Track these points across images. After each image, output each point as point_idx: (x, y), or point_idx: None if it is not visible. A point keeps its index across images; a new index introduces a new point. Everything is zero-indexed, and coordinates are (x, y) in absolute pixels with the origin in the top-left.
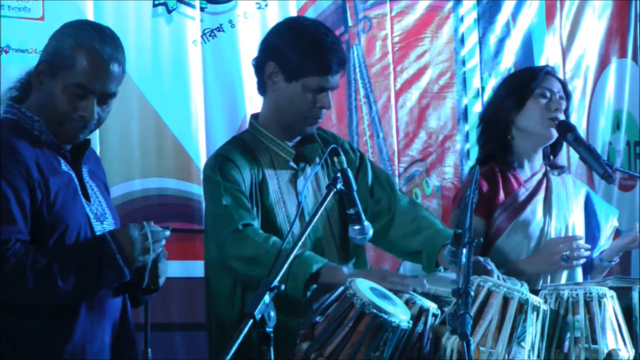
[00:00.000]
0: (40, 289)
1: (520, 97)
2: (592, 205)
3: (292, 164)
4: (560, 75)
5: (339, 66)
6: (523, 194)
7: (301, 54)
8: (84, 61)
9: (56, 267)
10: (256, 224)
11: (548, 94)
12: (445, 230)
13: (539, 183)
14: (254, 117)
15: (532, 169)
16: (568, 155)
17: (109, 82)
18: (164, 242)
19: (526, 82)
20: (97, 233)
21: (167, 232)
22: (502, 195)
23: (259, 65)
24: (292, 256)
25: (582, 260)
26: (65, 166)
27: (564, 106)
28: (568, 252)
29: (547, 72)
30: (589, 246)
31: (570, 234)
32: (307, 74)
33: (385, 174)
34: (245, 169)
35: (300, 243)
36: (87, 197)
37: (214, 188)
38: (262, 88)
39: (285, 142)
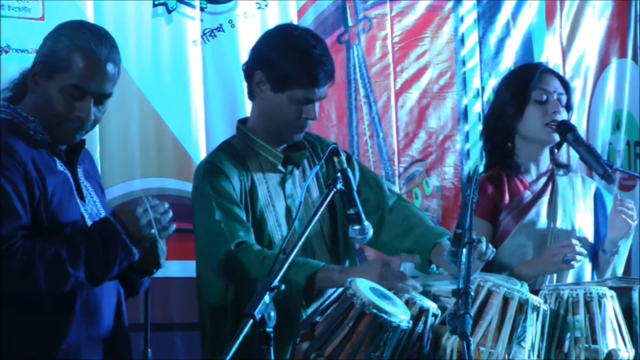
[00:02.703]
0: (52, 278)
1: (520, 104)
2: (602, 202)
3: (280, 167)
4: None
5: (327, 79)
6: (528, 196)
7: (288, 67)
8: (80, 62)
9: (64, 254)
10: (250, 236)
11: (545, 97)
12: (435, 228)
13: (545, 185)
14: (242, 122)
15: (538, 170)
16: (568, 155)
17: (106, 82)
18: (170, 214)
19: (523, 87)
20: None
21: (166, 204)
22: (507, 198)
23: (248, 71)
24: (290, 258)
25: (581, 259)
26: (60, 166)
27: (564, 102)
28: (570, 255)
29: (542, 71)
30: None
31: (576, 235)
32: (293, 86)
33: (373, 174)
34: (235, 177)
35: (300, 243)
36: (82, 197)
37: (205, 201)
38: (251, 94)
39: (273, 146)
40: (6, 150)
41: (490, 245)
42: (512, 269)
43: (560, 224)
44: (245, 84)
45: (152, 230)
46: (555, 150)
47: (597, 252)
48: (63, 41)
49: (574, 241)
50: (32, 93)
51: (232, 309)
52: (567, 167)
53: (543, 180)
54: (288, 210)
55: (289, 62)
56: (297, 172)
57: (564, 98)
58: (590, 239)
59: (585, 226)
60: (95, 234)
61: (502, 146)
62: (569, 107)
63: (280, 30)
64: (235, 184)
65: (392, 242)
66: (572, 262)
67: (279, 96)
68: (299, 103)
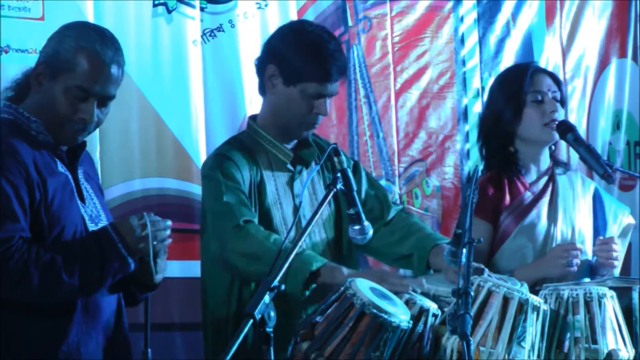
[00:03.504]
0: (46, 285)
1: (516, 108)
2: (600, 203)
3: (289, 166)
4: (560, 76)
5: (339, 74)
6: (529, 197)
7: (301, 60)
8: (85, 64)
9: (60, 262)
10: (256, 221)
11: (540, 97)
12: (434, 234)
13: (545, 185)
14: (252, 118)
15: (538, 171)
16: (568, 155)
17: (109, 84)
18: (168, 231)
19: (517, 90)
20: None
21: (169, 222)
22: (508, 199)
23: (260, 66)
24: (292, 255)
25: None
26: (61, 167)
27: (558, 99)
28: (575, 260)
29: (533, 72)
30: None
31: (576, 236)
32: (305, 79)
33: (382, 187)
34: (245, 169)
35: (301, 242)
36: (82, 199)
37: (215, 186)
38: (262, 89)
39: (283, 144)
40: (9, 152)
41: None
42: (513, 271)
43: (560, 225)
44: (245, 84)
45: (148, 246)
46: (552, 147)
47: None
48: (68, 42)
49: (579, 245)
50: (36, 93)
51: (235, 314)
52: (565, 165)
53: (543, 180)
54: (296, 210)
55: (303, 56)
56: (305, 173)
57: (558, 95)
58: (590, 240)
59: (584, 227)
60: (91, 243)
61: (502, 150)
62: (563, 103)
63: (295, 25)
64: (245, 175)
65: (392, 247)
66: (574, 266)
67: (291, 90)
68: (310, 98)
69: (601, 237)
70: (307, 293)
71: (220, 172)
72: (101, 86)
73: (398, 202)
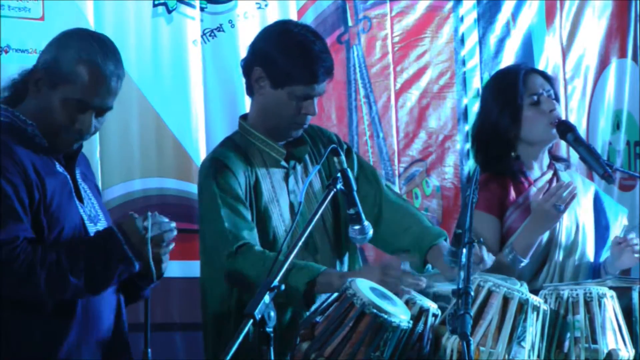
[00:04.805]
0: (52, 285)
1: (514, 114)
2: (601, 204)
3: (283, 163)
4: (560, 75)
5: (326, 75)
6: (534, 193)
7: (288, 63)
8: (85, 76)
9: (66, 262)
10: (253, 235)
11: (536, 98)
12: (432, 229)
13: (549, 181)
14: (243, 118)
15: (541, 168)
16: (568, 155)
17: (109, 97)
18: (175, 232)
19: (512, 95)
20: (91, 234)
21: (173, 224)
22: (513, 194)
23: (247, 68)
24: (290, 258)
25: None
26: (59, 168)
27: (553, 97)
28: (559, 202)
29: (525, 74)
30: (570, 183)
31: (580, 232)
32: (293, 82)
33: (372, 168)
34: (240, 172)
35: (300, 243)
36: (81, 199)
37: (211, 199)
38: (250, 90)
39: (274, 142)
40: (6, 152)
41: (490, 254)
42: (512, 244)
43: (565, 220)
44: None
45: (154, 248)
46: (551, 146)
47: (598, 269)
48: (70, 52)
49: (559, 190)
50: (33, 98)
51: (235, 313)
52: (565, 161)
53: (547, 176)
54: (291, 206)
55: (289, 59)
56: (299, 168)
57: (552, 93)
58: (591, 238)
59: (587, 224)
60: (97, 244)
61: (503, 156)
62: (557, 99)
63: (280, 27)
64: (240, 179)
65: (389, 239)
66: (562, 207)
67: (279, 92)
68: (298, 99)
69: (618, 236)
70: (314, 300)
71: (215, 183)
72: (101, 99)
73: (394, 188)
